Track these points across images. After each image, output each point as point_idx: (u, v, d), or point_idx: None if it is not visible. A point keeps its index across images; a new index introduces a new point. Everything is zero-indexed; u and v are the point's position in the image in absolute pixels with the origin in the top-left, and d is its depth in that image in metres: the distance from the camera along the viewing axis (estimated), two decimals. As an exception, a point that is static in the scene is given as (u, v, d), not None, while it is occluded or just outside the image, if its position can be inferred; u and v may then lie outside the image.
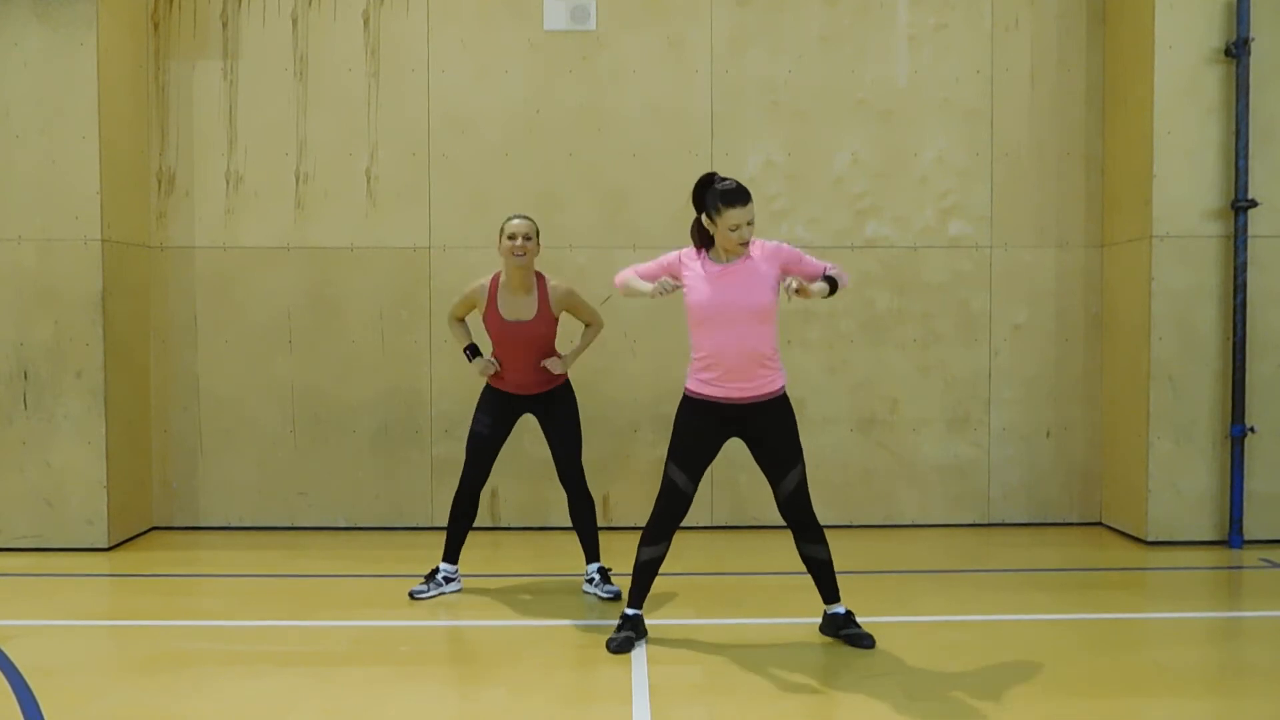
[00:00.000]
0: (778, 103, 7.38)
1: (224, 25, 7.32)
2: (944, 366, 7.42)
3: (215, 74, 7.33)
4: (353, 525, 7.41)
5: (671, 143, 7.36)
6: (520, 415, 5.78)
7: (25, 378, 6.71)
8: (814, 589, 5.01)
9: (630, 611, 4.93)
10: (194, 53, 7.31)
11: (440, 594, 5.73)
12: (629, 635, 4.85)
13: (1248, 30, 6.65)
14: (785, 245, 4.85)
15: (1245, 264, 6.73)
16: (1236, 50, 6.67)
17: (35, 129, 6.64)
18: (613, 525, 7.34)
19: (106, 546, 6.75)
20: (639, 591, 4.97)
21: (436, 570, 5.78)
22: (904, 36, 7.38)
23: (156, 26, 7.30)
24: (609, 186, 7.37)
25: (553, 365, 5.62)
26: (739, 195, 4.63)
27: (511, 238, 5.51)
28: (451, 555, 5.79)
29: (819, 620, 5.06)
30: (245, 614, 5.48)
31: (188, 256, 7.36)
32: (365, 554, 6.73)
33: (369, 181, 7.36)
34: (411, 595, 5.68)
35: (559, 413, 5.71)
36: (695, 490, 4.90)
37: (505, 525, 7.36)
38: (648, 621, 5.15)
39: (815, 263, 4.86)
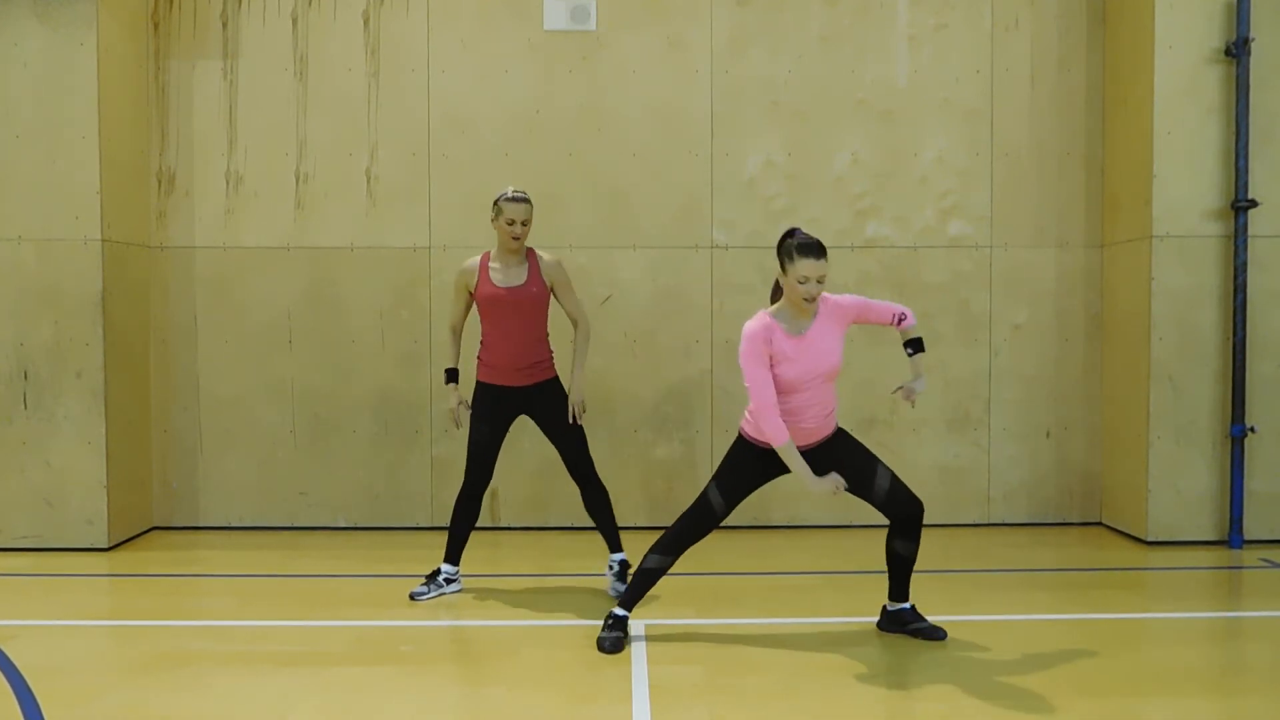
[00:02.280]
0: (778, 103, 7.38)
1: (224, 25, 7.32)
2: (944, 366, 7.42)
3: (215, 74, 7.33)
4: (353, 525, 7.41)
5: (671, 143, 7.36)
6: (516, 415, 5.75)
7: (25, 378, 6.71)
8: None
9: (620, 613, 4.93)
10: (194, 53, 7.32)
11: (441, 594, 5.73)
12: (619, 635, 4.85)
13: (1248, 30, 6.66)
14: (850, 298, 4.84)
15: (1245, 264, 6.73)
16: (1236, 50, 6.67)
17: (35, 129, 6.64)
18: (613, 525, 7.36)
19: (106, 546, 6.75)
20: (635, 596, 4.98)
21: (438, 572, 5.78)
22: (904, 36, 7.38)
23: (156, 26, 7.31)
24: (609, 186, 7.37)
25: (576, 409, 5.64)
26: (813, 249, 4.62)
27: (510, 223, 5.54)
28: (453, 556, 5.79)
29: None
30: (245, 614, 5.48)
31: (188, 256, 7.36)
32: (365, 554, 6.73)
33: (369, 181, 7.36)
34: (412, 597, 5.68)
35: (553, 409, 5.69)
36: (727, 517, 4.96)
37: (505, 525, 7.36)
38: (648, 621, 5.16)
39: (882, 308, 4.89)
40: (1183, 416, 6.82)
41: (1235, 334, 6.75)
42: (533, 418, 5.75)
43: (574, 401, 5.65)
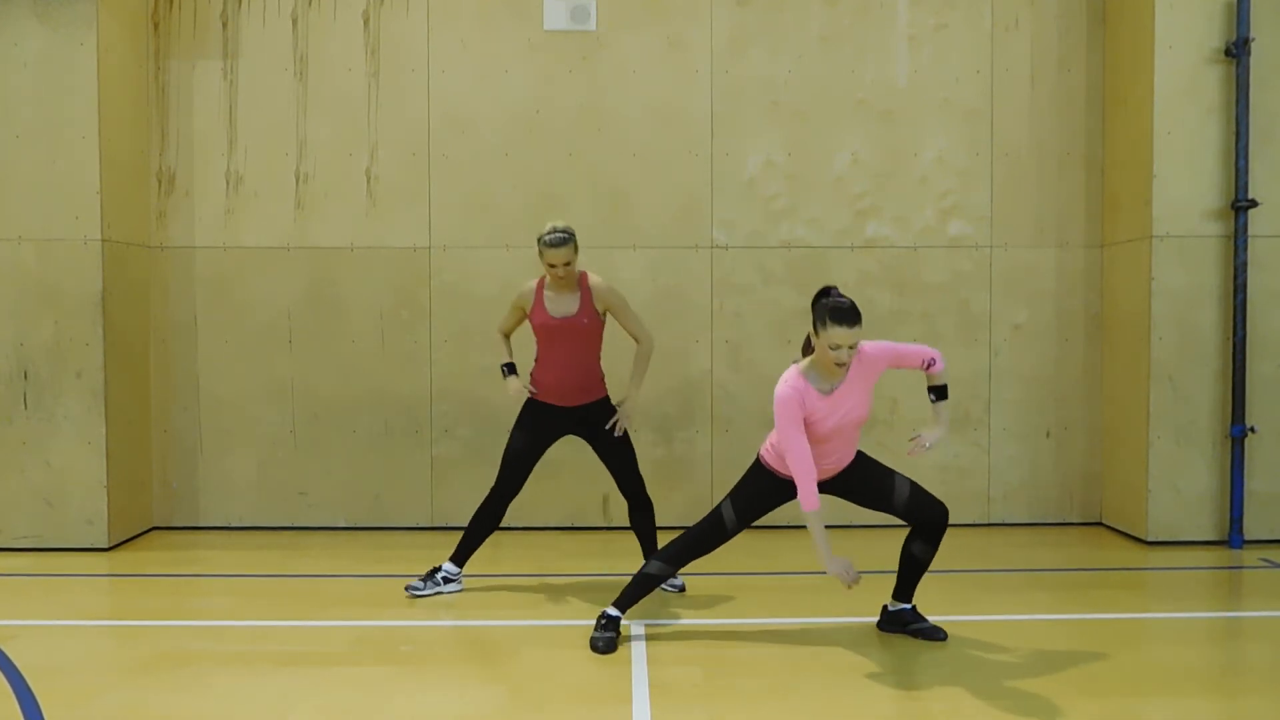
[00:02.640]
0: (778, 103, 7.38)
1: (224, 25, 7.32)
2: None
3: (215, 74, 7.33)
4: (353, 525, 7.41)
5: (671, 143, 7.36)
6: (561, 435, 5.73)
7: (25, 378, 6.71)
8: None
9: (613, 613, 4.93)
10: (194, 53, 7.32)
11: (438, 593, 5.72)
12: (612, 635, 4.85)
13: (1248, 30, 6.65)
14: (880, 349, 4.77)
15: (1245, 264, 6.73)
16: (1236, 50, 6.67)
17: (35, 129, 6.64)
18: (612, 525, 7.36)
19: (106, 546, 6.75)
20: (632, 599, 4.98)
21: (438, 569, 5.77)
22: (904, 36, 7.38)
23: (156, 26, 7.31)
24: (609, 186, 7.37)
25: (624, 419, 5.64)
26: (847, 315, 4.52)
27: (552, 265, 5.47)
28: (460, 558, 5.78)
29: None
30: (245, 614, 5.48)
31: (188, 256, 7.36)
32: (365, 554, 6.73)
33: (369, 181, 7.36)
34: (408, 590, 5.68)
35: (601, 428, 5.68)
36: (738, 535, 4.97)
37: (506, 525, 7.31)
38: (648, 621, 5.16)
39: (913, 354, 4.83)
40: (1183, 416, 6.82)
41: (1235, 334, 6.74)
42: (582, 436, 5.75)
43: (623, 413, 5.65)
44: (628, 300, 5.77)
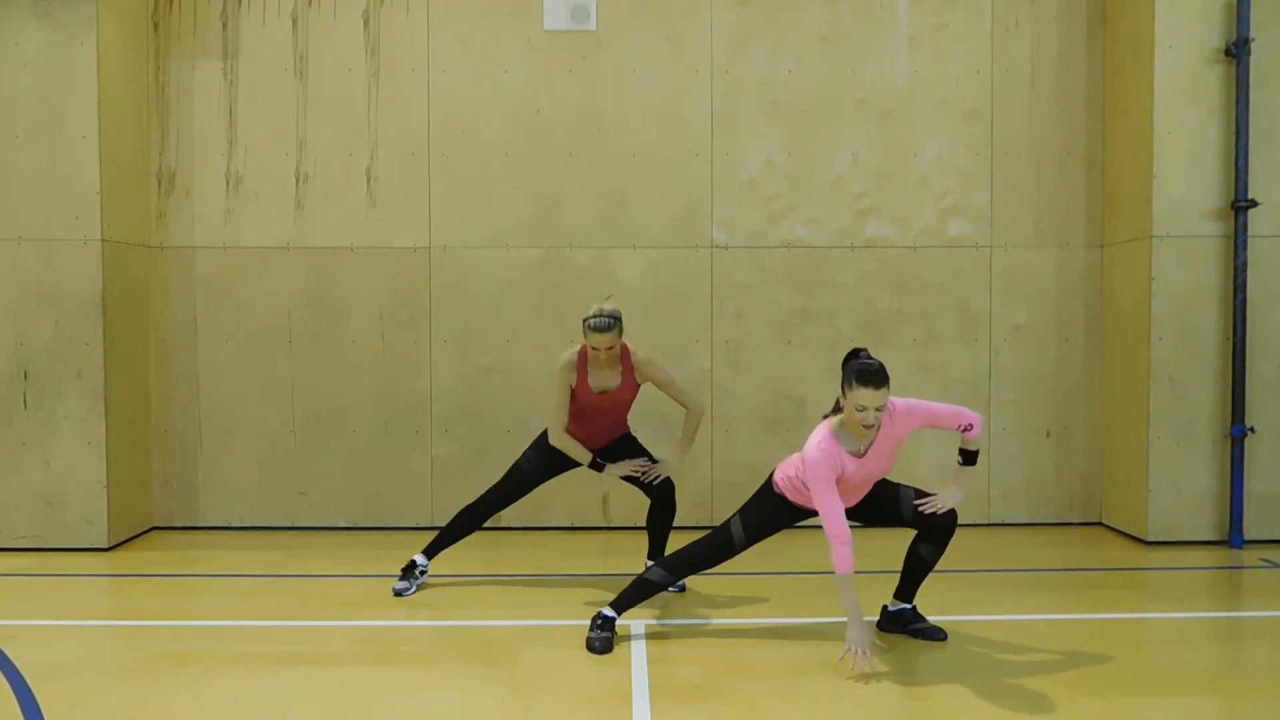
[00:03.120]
0: (778, 103, 7.38)
1: (224, 25, 7.32)
2: (944, 366, 7.42)
3: (215, 74, 7.33)
4: (353, 525, 7.41)
5: (671, 143, 7.36)
6: (575, 467, 5.73)
7: (25, 378, 6.71)
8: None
9: (609, 613, 4.92)
10: (194, 53, 7.32)
11: (420, 586, 5.78)
12: (609, 636, 4.85)
13: (1248, 30, 6.66)
14: (915, 409, 4.69)
15: (1245, 264, 6.73)
16: (1236, 50, 6.67)
17: (35, 129, 6.64)
18: (612, 525, 7.36)
19: (106, 546, 6.75)
20: (630, 601, 4.99)
21: (414, 564, 5.83)
22: (904, 36, 7.38)
23: (156, 26, 7.30)
24: (609, 186, 7.37)
25: (663, 469, 5.65)
26: (873, 377, 4.46)
27: (595, 349, 5.41)
28: (432, 552, 5.84)
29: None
30: (245, 614, 5.48)
31: (188, 256, 7.36)
32: (365, 554, 6.73)
33: (369, 181, 7.36)
34: (396, 593, 5.71)
35: (624, 451, 5.72)
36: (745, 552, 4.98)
37: (506, 525, 7.36)
38: (648, 621, 5.16)
39: (949, 416, 4.73)
40: (1183, 416, 6.82)
41: (1235, 334, 6.74)
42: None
43: (663, 466, 5.66)
44: (669, 372, 5.70)
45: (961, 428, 4.73)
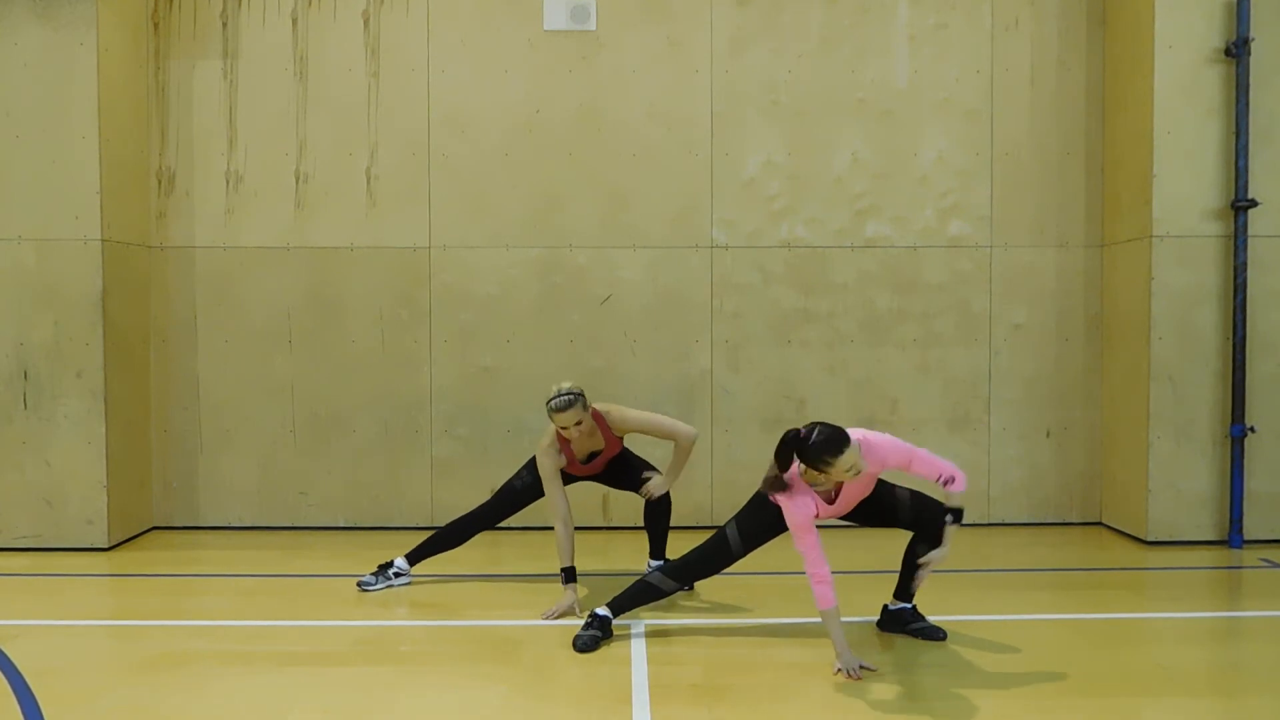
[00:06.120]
0: (778, 103, 7.38)
1: (224, 25, 7.32)
2: (944, 366, 7.42)
3: (215, 74, 7.33)
4: (353, 525, 7.41)
5: (671, 143, 7.36)
6: (571, 482, 5.78)
7: (25, 378, 6.71)
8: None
9: (603, 613, 4.93)
10: (194, 53, 7.32)
11: (388, 586, 5.81)
12: (596, 634, 4.85)
13: (1248, 30, 6.66)
14: (894, 449, 4.64)
15: (1245, 264, 6.73)
16: (1236, 50, 6.67)
17: (35, 129, 6.64)
18: (611, 525, 7.36)
19: (106, 546, 6.75)
20: (628, 604, 5.00)
21: (390, 564, 5.87)
22: (904, 36, 7.38)
23: (156, 26, 7.30)
24: (609, 186, 7.37)
25: (655, 488, 5.68)
26: (838, 443, 4.37)
27: (564, 428, 5.41)
28: (415, 559, 5.89)
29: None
30: (245, 614, 5.48)
31: (188, 256, 7.36)
32: (365, 554, 6.71)
33: (369, 181, 7.36)
34: (360, 586, 5.77)
35: (620, 469, 5.78)
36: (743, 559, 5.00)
37: (506, 525, 7.33)
38: (648, 621, 5.15)
39: (929, 466, 4.65)
40: (1182, 416, 6.82)
41: (1235, 334, 6.74)
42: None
43: (655, 483, 5.69)
44: (647, 415, 5.67)
45: (942, 480, 4.68)
